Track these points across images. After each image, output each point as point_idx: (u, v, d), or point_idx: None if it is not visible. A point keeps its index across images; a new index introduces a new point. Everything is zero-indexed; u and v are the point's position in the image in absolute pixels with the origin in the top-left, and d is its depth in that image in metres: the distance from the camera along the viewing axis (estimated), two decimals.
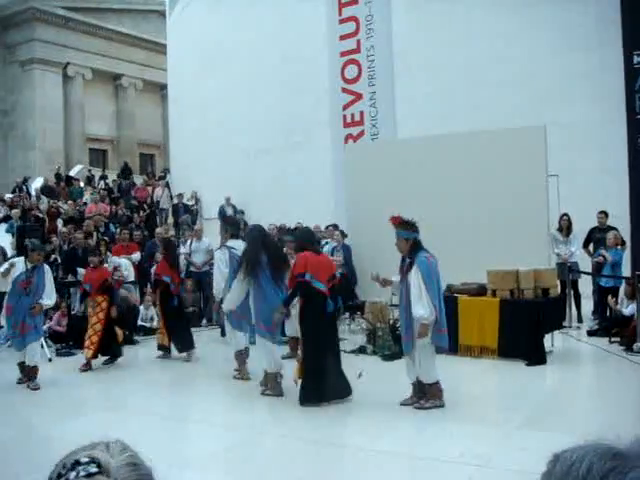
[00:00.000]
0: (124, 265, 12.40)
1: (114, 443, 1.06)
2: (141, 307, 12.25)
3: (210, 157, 21.01)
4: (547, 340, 8.90)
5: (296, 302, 7.14)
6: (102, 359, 9.38)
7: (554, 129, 11.14)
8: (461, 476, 4.72)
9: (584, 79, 14.18)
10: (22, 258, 8.39)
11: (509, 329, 8.68)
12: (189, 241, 13.56)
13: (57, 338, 10.66)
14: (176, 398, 7.59)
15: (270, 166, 19.02)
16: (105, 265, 11.96)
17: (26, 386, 8.00)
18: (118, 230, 14.55)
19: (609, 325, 10.08)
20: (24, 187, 20.37)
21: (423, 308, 6.23)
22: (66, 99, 33.41)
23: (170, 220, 20.20)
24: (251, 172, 19.58)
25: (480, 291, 9.27)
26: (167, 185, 21.59)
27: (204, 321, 12.65)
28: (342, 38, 14.86)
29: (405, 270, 6.49)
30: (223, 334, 8.97)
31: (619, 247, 10.93)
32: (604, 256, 10.81)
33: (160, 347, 9.94)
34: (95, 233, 14.47)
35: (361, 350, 9.62)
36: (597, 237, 11.43)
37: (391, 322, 9.56)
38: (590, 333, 10.30)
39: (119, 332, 10.93)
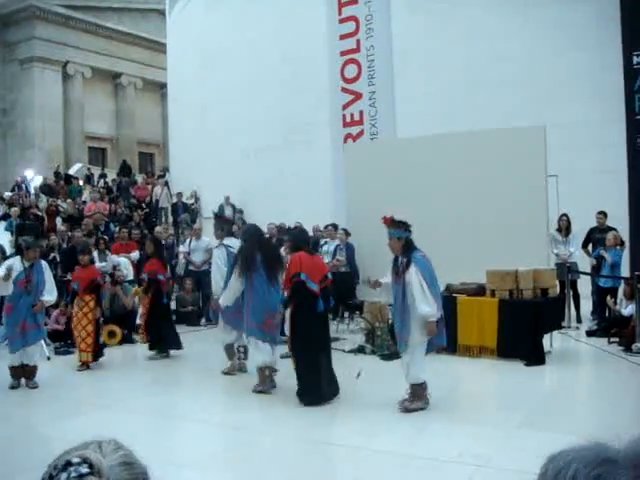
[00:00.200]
0: (123, 264, 12.40)
1: (107, 442, 1.05)
2: (140, 306, 12.23)
3: (209, 156, 20.99)
4: (546, 340, 8.90)
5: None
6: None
7: (553, 129, 11.13)
8: (460, 476, 4.72)
9: (583, 79, 14.18)
10: (18, 257, 8.17)
11: (508, 329, 8.69)
12: (188, 240, 13.56)
13: (56, 337, 10.63)
14: (175, 397, 7.59)
15: (270, 165, 19.00)
16: (103, 263, 11.99)
17: (25, 384, 7.92)
18: (117, 229, 14.55)
19: (608, 325, 10.09)
20: (23, 185, 20.35)
21: (429, 305, 6.24)
22: (66, 98, 33.40)
23: (169, 219, 20.20)
24: (250, 171, 19.56)
25: (479, 291, 9.28)
26: (166, 184, 21.57)
27: (203, 320, 12.64)
28: (342, 38, 14.83)
29: (401, 270, 6.45)
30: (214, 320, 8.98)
31: (618, 247, 10.94)
32: (603, 256, 10.82)
33: (150, 346, 9.92)
34: (95, 231, 14.45)
35: (360, 350, 9.62)
36: (596, 237, 11.44)
37: (390, 322, 9.56)
38: (589, 333, 10.31)
39: (118, 331, 10.96)
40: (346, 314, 11.70)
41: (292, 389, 7.24)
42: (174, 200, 20.53)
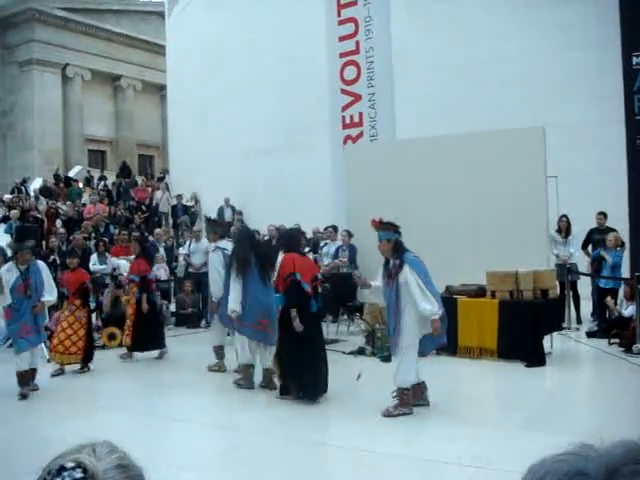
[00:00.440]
0: (123, 266, 12.40)
1: (101, 445, 1.03)
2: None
3: (209, 158, 21.00)
4: (546, 341, 8.89)
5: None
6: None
7: (553, 130, 11.13)
8: (460, 478, 4.71)
9: (583, 80, 14.19)
10: (11, 264, 7.96)
11: (508, 330, 8.68)
12: (188, 242, 13.56)
13: None
14: (175, 399, 7.58)
15: (269, 167, 19.00)
16: (103, 266, 11.99)
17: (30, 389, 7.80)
18: (117, 231, 14.55)
19: (608, 326, 10.07)
20: (23, 188, 20.36)
21: (430, 303, 6.22)
22: (65, 100, 33.43)
23: (169, 221, 20.19)
24: (250, 173, 19.57)
25: (479, 292, 9.27)
26: (167, 187, 21.57)
27: (203, 322, 12.64)
28: (341, 39, 14.81)
29: (394, 272, 6.42)
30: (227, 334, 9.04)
31: (619, 248, 10.93)
32: (604, 257, 10.81)
33: (128, 347, 9.91)
34: (94, 234, 14.46)
35: (360, 351, 9.61)
36: (596, 238, 11.43)
37: None
38: (589, 334, 10.30)
39: (118, 333, 10.95)
40: (345, 316, 11.68)
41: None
42: (174, 202, 20.52)
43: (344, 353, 9.59)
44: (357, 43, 14.65)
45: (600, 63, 13.72)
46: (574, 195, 12.33)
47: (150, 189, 21.66)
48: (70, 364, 8.96)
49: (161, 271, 13.37)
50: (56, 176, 23.24)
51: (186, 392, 7.92)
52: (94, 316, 12.15)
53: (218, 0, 21.27)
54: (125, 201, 20.54)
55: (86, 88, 34.41)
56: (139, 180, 24.30)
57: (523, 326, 8.58)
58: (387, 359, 8.88)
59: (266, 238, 13.44)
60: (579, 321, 11.40)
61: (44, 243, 14.38)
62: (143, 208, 19.97)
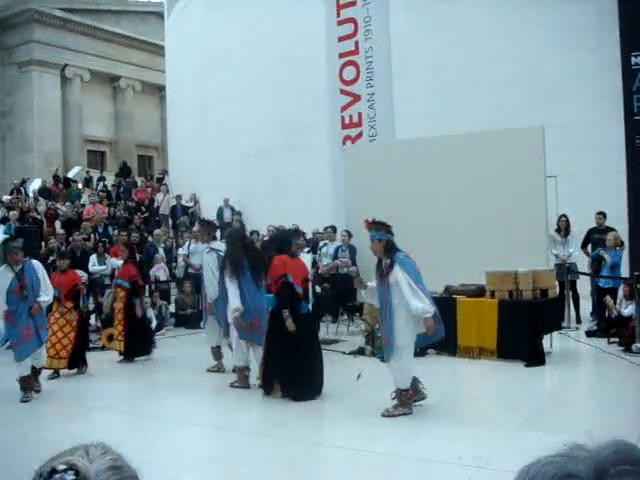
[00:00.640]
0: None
1: (94, 447, 1.02)
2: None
3: (208, 159, 21.00)
4: (546, 341, 8.90)
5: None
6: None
7: (552, 130, 11.12)
8: (460, 478, 4.71)
9: (583, 80, 14.18)
10: (4, 266, 7.71)
11: (508, 330, 8.68)
12: (187, 243, 13.56)
13: None
14: (174, 399, 7.57)
15: (268, 168, 19.00)
16: (103, 267, 11.99)
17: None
18: (116, 232, 14.55)
19: (608, 326, 10.08)
20: (22, 189, 20.35)
21: (421, 302, 6.18)
22: (64, 101, 33.41)
23: (169, 222, 20.18)
24: (250, 174, 19.56)
25: (479, 292, 9.27)
26: (167, 190, 21.59)
27: (202, 323, 12.63)
28: (340, 39, 14.84)
29: (385, 272, 6.43)
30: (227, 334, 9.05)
31: (618, 248, 10.93)
32: (603, 256, 10.81)
33: (122, 353, 9.85)
34: (93, 235, 14.46)
35: (360, 351, 9.61)
36: (595, 238, 11.43)
37: None
38: (589, 334, 10.30)
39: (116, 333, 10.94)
40: (344, 316, 11.68)
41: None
42: (173, 203, 20.52)
43: (344, 353, 9.59)
44: (356, 43, 14.68)
45: (599, 63, 13.72)
46: (573, 195, 12.33)
47: (150, 190, 21.67)
48: (60, 369, 8.79)
49: (160, 272, 13.37)
50: (55, 177, 23.24)
51: (185, 393, 7.91)
52: (93, 317, 12.17)
53: (217, 0, 21.27)
54: (125, 201, 20.55)
55: (85, 89, 34.39)
56: (139, 181, 24.32)
57: (523, 326, 8.58)
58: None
59: (266, 239, 13.44)
60: (578, 320, 11.40)
61: (43, 244, 14.37)
62: (143, 209, 19.97)
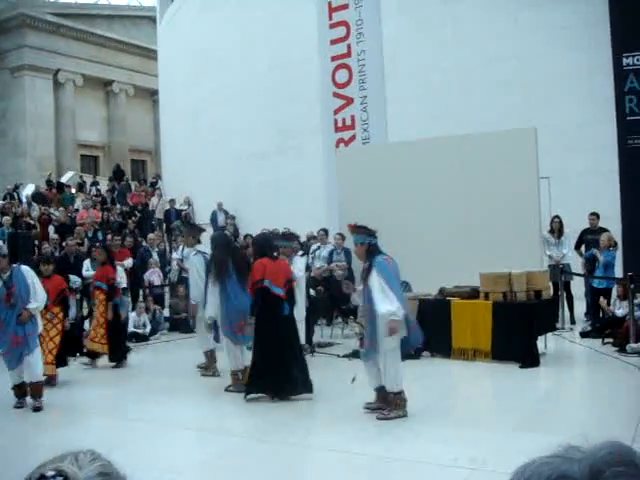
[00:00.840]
0: (117, 272, 12.35)
1: (84, 453, 1.02)
2: (133, 314, 12.20)
3: (202, 162, 20.99)
4: (540, 342, 8.91)
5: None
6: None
7: (545, 131, 11.15)
8: (456, 479, 4.71)
9: (574, 81, 14.23)
10: None
11: (502, 332, 8.69)
12: (181, 247, 13.52)
13: None
14: (169, 405, 7.55)
15: (262, 171, 18.99)
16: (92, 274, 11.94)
17: (29, 404, 7.44)
18: (110, 237, 14.51)
19: (602, 326, 10.10)
20: (15, 194, 20.29)
21: (391, 304, 6.16)
22: (57, 105, 33.34)
23: (163, 226, 20.16)
24: (243, 177, 19.56)
25: (473, 294, 9.28)
26: (161, 194, 21.59)
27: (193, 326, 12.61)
28: (333, 42, 14.82)
29: (365, 275, 6.46)
30: (217, 340, 9.04)
31: (611, 248, 10.96)
32: (596, 255, 10.84)
33: (92, 354, 9.77)
34: (86, 240, 14.43)
35: (354, 354, 9.58)
36: (589, 239, 11.46)
37: None
38: (583, 334, 10.32)
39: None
40: (339, 319, 11.68)
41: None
42: (166, 207, 20.50)
43: (338, 356, 9.58)
44: (349, 46, 14.66)
45: (591, 64, 13.77)
46: (566, 196, 12.37)
47: (144, 194, 21.66)
48: (46, 376, 8.38)
49: (154, 276, 13.35)
50: (48, 182, 23.19)
51: (180, 398, 7.89)
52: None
53: (209, 4, 21.28)
54: (120, 204, 20.56)
55: (78, 93, 34.32)
56: (132, 185, 24.30)
57: (517, 327, 8.59)
58: None
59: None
60: (573, 321, 11.43)
61: (36, 250, 14.33)
62: (136, 213, 19.95)
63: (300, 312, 9.40)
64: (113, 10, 37.45)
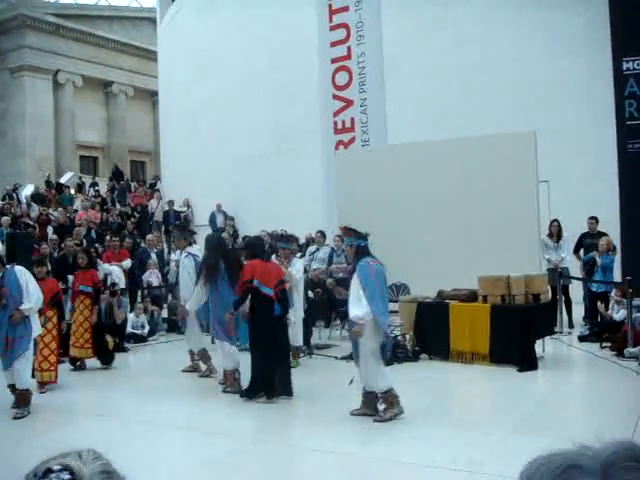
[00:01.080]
0: (115, 272, 12.35)
1: (86, 451, 1.04)
2: (131, 314, 12.20)
3: (201, 164, 20.97)
4: (538, 346, 8.90)
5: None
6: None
7: (544, 135, 11.17)
8: None
9: (574, 85, 14.23)
10: None
11: (500, 335, 8.68)
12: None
13: None
14: (167, 406, 7.55)
15: (261, 173, 18.99)
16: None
17: (13, 411, 7.21)
18: (108, 237, 14.51)
19: (600, 330, 10.09)
20: (14, 194, 20.29)
21: (360, 309, 6.22)
22: (56, 106, 33.34)
23: (162, 227, 20.16)
24: (242, 179, 19.55)
25: (471, 297, 9.28)
26: (160, 196, 21.60)
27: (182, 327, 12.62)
28: (333, 45, 14.86)
29: (351, 277, 6.58)
30: (213, 342, 9.05)
31: (610, 253, 10.96)
32: (595, 258, 10.84)
33: (74, 360, 9.63)
34: (84, 240, 14.43)
35: (352, 356, 9.58)
36: (587, 243, 11.46)
37: None
38: (581, 338, 10.31)
39: (109, 340, 10.90)
40: (337, 321, 11.67)
41: (283, 398, 7.31)
42: (165, 208, 20.50)
43: (336, 358, 9.57)
44: (349, 49, 14.71)
45: (591, 68, 13.78)
46: (565, 200, 12.37)
47: (145, 195, 21.68)
48: (45, 382, 8.33)
49: (153, 277, 13.34)
50: (47, 182, 23.20)
51: (178, 399, 7.89)
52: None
53: (210, 6, 21.28)
54: (120, 204, 20.59)
55: (77, 94, 34.33)
56: (132, 185, 24.32)
57: (515, 330, 8.58)
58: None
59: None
60: (571, 325, 11.42)
61: (35, 250, 14.30)
62: (135, 214, 19.95)
63: (298, 314, 9.43)
64: (113, 11, 37.47)
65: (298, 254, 10.56)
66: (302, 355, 9.72)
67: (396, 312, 10.28)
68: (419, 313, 9.52)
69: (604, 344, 9.59)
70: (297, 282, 9.36)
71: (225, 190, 19.63)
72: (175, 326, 12.83)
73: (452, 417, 6.66)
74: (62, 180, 25.44)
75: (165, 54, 25.42)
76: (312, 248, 12.26)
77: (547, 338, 9.38)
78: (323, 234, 12.50)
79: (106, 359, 9.81)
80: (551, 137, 12.50)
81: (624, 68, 11.87)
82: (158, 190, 22.75)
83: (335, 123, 14.87)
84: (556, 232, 11.58)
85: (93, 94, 35.52)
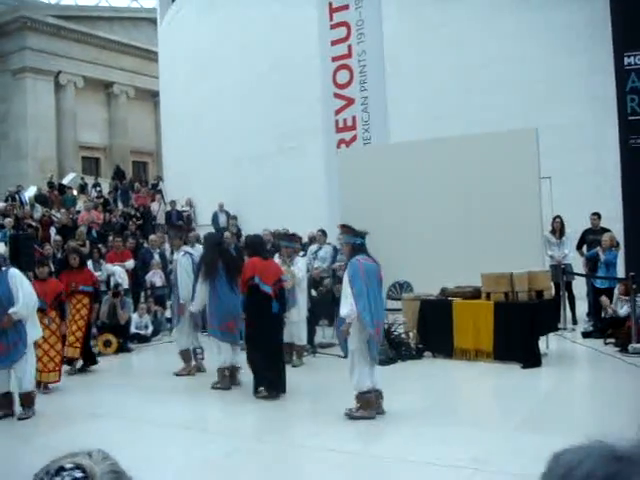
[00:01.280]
0: (118, 273, 12.38)
1: (96, 451, 1.06)
2: (135, 315, 12.21)
3: (203, 164, 20.99)
4: (542, 342, 8.90)
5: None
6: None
7: (546, 131, 11.15)
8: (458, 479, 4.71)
9: (576, 81, 14.21)
10: None
11: (504, 332, 8.68)
12: None
13: None
14: (171, 406, 7.56)
15: (263, 172, 19.00)
16: (98, 272, 11.95)
17: (18, 414, 7.12)
18: (111, 238, 14.53)
19: (604, 326, 10.08)
20: (17, 196, 20.31)
21: (345, 307, 6.30)
22: (58, 107, 33.36)
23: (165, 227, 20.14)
24: (244, 178, 19.56)
25: (474, 294, 9.27)
26: (163, 198, 21.59)
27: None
28: (333, 43, 14.85)
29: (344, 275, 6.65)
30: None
31: (614, 249, 10.95)
32: (598, 254, 10.84)
33: (70, 361, 9.51)
34: (88, 241, 14.45)
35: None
36: (590, 239, 11.45)
37: (386, 326, 9.53)
38: (585, 335, 10.30)
39: (114, 340, 10.93)
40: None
41: (286, 397, 7.32)
42: (167, 208, 20.51)
43: (340, 357, 9.56)
44: (349, 47, 14.69)
45: (592, 64, 13.75)
46: (568, 196, 12.34)
47: (148, 196, 21.69)
48: (50, 382, 8.33)
49: (156, 277, 13.35)
50: (50, 184, 23.23)
51: (182, 399, 7.92)
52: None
53: (209, 6, 21.28)
54: (124, 202, 20.63)
55: (79, 95, 34.35)
56: (135, 185, 24.33)
57: (518, 327, 8.58)
58: (384, 362, 8.87)
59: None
60: (574, 321, 11.41)
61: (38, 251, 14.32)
62: (138, 215, 19.96)
63: (302, 313, 9.43)
64: (114, 12, 37.48)
65: (301, 253, 10.55)
66: (306, 354, 9.73)
67: (399, 310, 10.29)
68: (422, 311, 9.53)
69: (608, 340, 9.59)
70: (300, 281, 9.37)
71: (227, 189, 19.64)
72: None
73: (456, 414, 6.66)
74: (64, 181, 25.47)
75: (166, 54, 25.43)
76: (313, 247, 12.23)
77: (551, 335, 9.38)
78: (324, 233, 12.49)
79: (89, 361, 9.69)
80: (552, 133, 12.48)
81: (625, 63, 11.83)
82: (160, 191, 22.74)
83: (337, 122, 14.86)
84: (559, 228, 11.57)
85: (94, 95, 35.54)
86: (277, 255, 9.53)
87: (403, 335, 9.49)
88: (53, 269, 12.61)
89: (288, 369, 8.05)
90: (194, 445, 5.99)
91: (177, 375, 9.00)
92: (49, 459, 1.06)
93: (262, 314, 7.50)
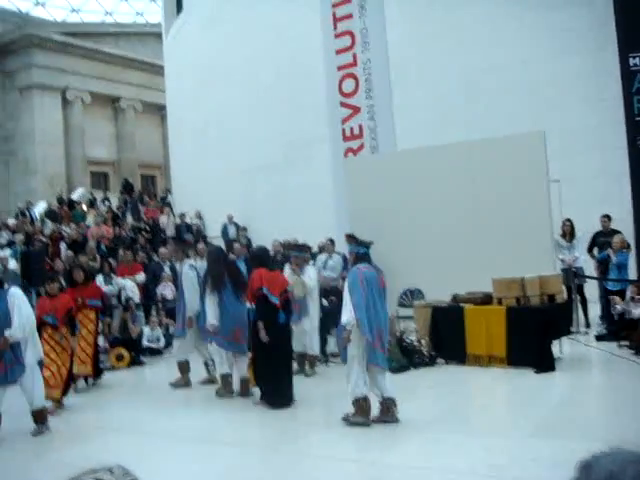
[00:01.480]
0: (129, 287, 12.40)
1: (117, 467, 1.06)
2: (147, 328, 12.22)
3: (211, 176, 21.04)
4: (555, 346, 8.85)
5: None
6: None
7: (554, 134, 11.14)
8: None
9: (582, 83, 14.20)
10: None
11: (517, 337, 8.64)
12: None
13: None
14: (185, 418, 7.55)
15: (271, 182, 19.04)
16: (109, 287, 11.98)
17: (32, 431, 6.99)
18: (121, 252, 14.57)
19: (617, 329, 10.02)
20: (27, 212, 20.38)
21: (345, 315, 6.36)
22: (66, 123, 33.52)
23: None
24: (253, 189, 19.61)
25: (486, 300, 9.24)
26: (172, 211, 21.64)
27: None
28: (338, 52, 14.89)
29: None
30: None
31: (625, 250, 10.90)
32: (609, 255, 10.79)
33: (85, 378, 9.49)
34: (99, 256, 14.49)
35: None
36: (601, 241, 11.40)
37: (398, 334, 9.52)
38: (598, 338, 10.24)
39: (126, 354, 10.94)
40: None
41: (299, 406, 7.31)
42: (177, 221, 20.55)
43: None
44: (354, 56, 14.72)
45: (598, 66, 13.74)
46: (577, 199, 12.31)
47: (157, 210, 21.76)
48: (60, 398, 8.16)
49: (167, 290, 13.37)
50: (59, 199, 23.32)
51: (195, 411, 7.92)
52: (101, 338, 12.15)
53: (214, 19, 21.38)
54: (134, 216, 20.69)
55: (86, 111, 34.52)
56: (144, 197, 24.41)
57: (531, 332, 8.53)
58: (396, 370, 8.85)
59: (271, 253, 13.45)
60: (587, 325, 11.35)
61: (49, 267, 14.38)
62: (147, 228, 20.01)
63: (313, 322, 9.42)
64: (119, 28, 37.70)
65: (311, 262, 10.55)
66: (318, 363, 9.71)
67: (411, 317, 10.27)
68: (434, 318, 9.50)
69: (622, 343, 9.53)
70: (311, 290, 9.36)
71: (235, 200, 19.67)
72: None
73: (471, 421, 6.63)
74: (74, 197, 25.55)
75: (172, 68, 25.55)
76: (323, 256, 12.22)
77: (564, 338, 9.33)
78: (332, 242, 12.48)
79: (96, 375, 9.70)
80: (560, 136, 12.46)
81: (631, 64, 11.81)
82: (169, 205, 22.80)
83: (343, 130, 14.87)
84: (569, 231, 11.53)
85: (102, 110, 35.71)
86: (287, 265, 9.53)
87: (415, 342, 9.46)
88: (64, 284, 12.69)
89: (300, 379, 8.07)
90: (209, 457, 5.97)
91: (173, 385, 9.16)
92: (63, 475, 1.06)
93: (269, 325, 7.56)
